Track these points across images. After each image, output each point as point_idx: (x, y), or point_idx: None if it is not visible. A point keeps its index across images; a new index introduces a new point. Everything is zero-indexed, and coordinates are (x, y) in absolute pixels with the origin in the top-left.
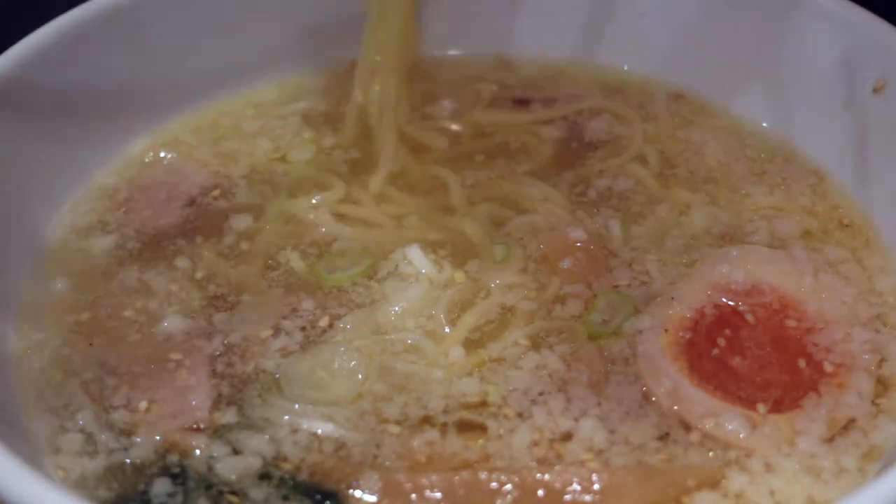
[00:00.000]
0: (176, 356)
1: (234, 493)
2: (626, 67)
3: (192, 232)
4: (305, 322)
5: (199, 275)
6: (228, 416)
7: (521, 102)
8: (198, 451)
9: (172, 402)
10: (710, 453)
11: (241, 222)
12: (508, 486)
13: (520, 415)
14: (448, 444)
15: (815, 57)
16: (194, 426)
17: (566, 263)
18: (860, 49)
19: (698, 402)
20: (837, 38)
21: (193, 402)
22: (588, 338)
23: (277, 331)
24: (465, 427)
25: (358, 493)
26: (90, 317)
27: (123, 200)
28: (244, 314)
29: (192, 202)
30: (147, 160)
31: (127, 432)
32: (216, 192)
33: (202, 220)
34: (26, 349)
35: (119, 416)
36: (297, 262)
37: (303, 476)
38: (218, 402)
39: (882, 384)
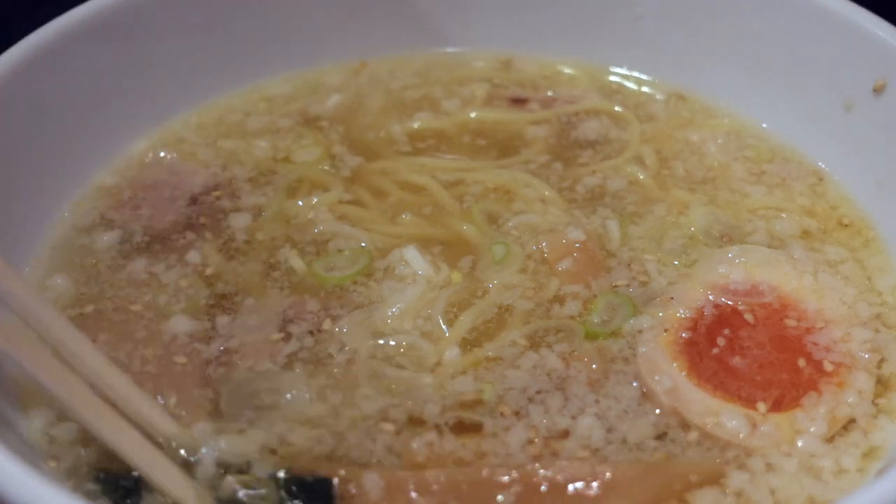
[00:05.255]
0: (180, 360)
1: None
2: (625, 68)
3: (200, 228)
4: (311, 326)
5: (208, 271)
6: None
7: (518, 101)
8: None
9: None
10: (709, 453)
11: (241, 221)
12: (511, 484)
13: (516, 413)
14: (444, 444)
15: (815, 57)
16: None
17: (565, 264)
18: (860, 49)
19: (698, 401)
20: (837, 38)
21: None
22: (586, 338)
23: (284, 334)
24: (461, 427)
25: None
26: (94, 310)
27: (127, 199)
28: (247, 317)
29: (194, 201)
30: (147, 160)
31: None
32: (218, 192)
33: (206, 217)
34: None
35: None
36: (295, 260)
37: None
38: (214, 405)
39: (882, 384)
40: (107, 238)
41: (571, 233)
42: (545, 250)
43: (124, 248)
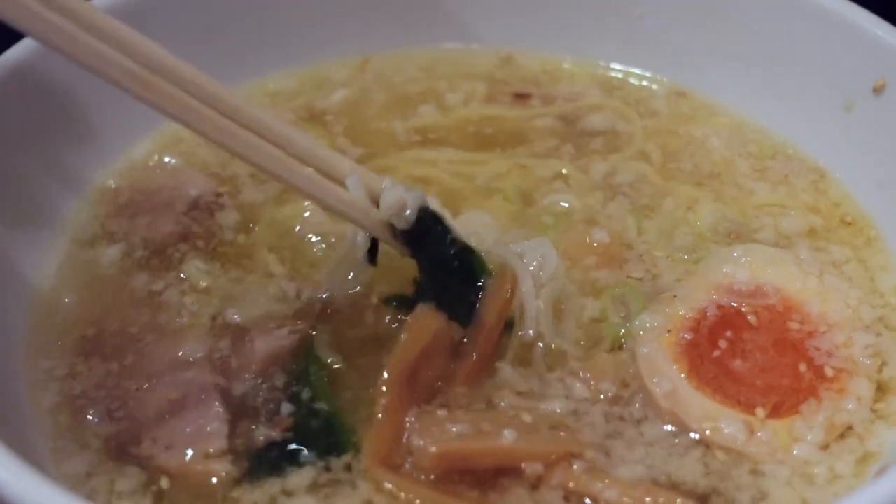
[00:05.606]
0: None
1: None
2: (627, 65)
3: (192, 238)
4: None
5: (203, 285)
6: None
7: (521, 97)
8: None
9: (188, 430)
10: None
11: (237, 228)
12: None
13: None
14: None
15: (815, 57)
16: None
17: (589, 260)
18: (860, 49)
19: (697, 405)
20: (837, 38)
21: (209, 429)
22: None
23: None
24: None
25: None
26: (96, 332)
27: (124, 204)
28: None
29: (193, 207)
30: (150, 164)
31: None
32: (221, 191)
33: (198, 226)
34: (36, 377)
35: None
36: (276, 266)
37: None
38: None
39: (881, 389)
40: (111, 253)
41: (597, 233)
42: (570, 248)
43: (125, 263)
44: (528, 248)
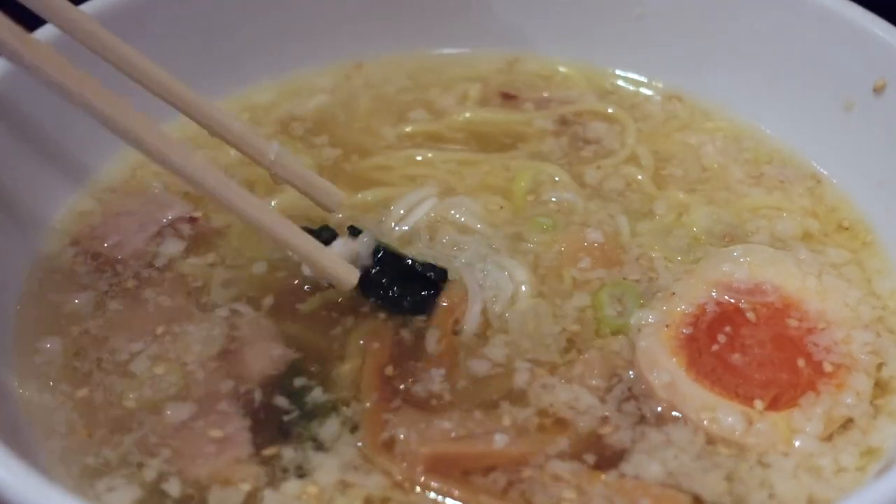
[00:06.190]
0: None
1: None
2: (624, 70)
3: (154, 263)
4: None
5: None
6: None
7: (509, 97)
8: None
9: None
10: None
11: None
12: None
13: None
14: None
15: (815, 57)
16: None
17: (584, 263)
18: (860, 49)
19: (695, 396)
20: (837, 38)
21: (233, 437)
22: (611, 333)
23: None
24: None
25: None
26: (88, 394)
27: (93, 226)
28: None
29: (159, 233)
30: (124, 183)
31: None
32: (195, 216)
33: (163, 250)
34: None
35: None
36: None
37: None
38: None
39: (880, 387)
40: (79, 301)
41: (591, 234)
42: (566, 248)
43: (98, 315)
44: (490, 274)
